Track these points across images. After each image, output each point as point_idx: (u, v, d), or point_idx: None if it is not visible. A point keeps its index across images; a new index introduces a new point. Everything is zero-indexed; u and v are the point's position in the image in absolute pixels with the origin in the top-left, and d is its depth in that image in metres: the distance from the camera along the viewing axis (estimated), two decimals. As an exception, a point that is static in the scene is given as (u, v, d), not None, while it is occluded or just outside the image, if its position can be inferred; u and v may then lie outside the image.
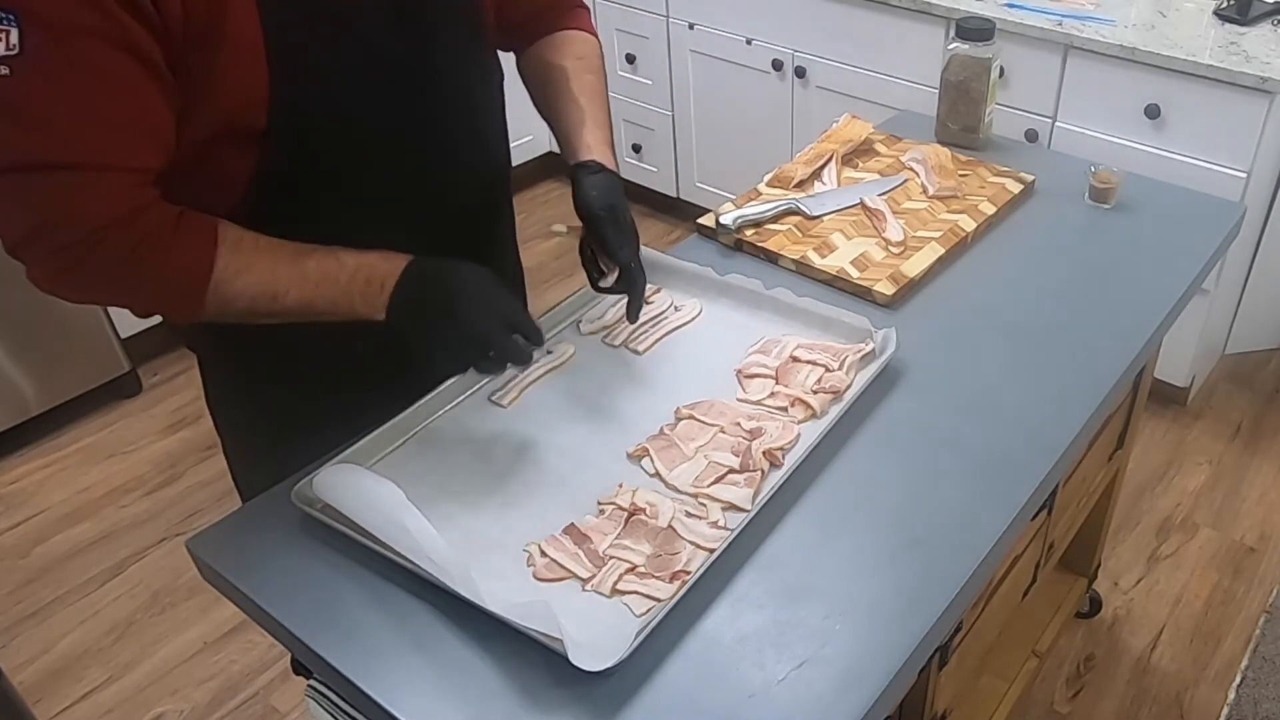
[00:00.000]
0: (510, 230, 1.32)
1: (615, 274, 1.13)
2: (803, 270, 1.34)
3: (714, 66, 2.89)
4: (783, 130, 2.83)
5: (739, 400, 1.12)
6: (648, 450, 1.05)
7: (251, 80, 0.92)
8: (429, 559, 0.88)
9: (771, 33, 2.70)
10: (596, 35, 1.28)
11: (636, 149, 3.28)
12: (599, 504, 1.00)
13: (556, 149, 1.24)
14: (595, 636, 0.85)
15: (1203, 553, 2.15)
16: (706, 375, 1.16)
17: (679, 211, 3.31)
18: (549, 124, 1.22)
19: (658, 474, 1.03)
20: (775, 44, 2.70)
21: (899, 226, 1.38)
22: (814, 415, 1.09)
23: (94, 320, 2.55)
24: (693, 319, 1.26)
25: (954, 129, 1.61)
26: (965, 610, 1.01)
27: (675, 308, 1.27)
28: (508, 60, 1.22)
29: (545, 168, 3.50)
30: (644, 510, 0.98)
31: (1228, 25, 2.17)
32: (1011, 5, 2.29)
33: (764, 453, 1.03)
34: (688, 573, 0.91)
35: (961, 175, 1.50)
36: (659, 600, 0.89)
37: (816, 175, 1.52)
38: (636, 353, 1.20)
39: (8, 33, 0.80)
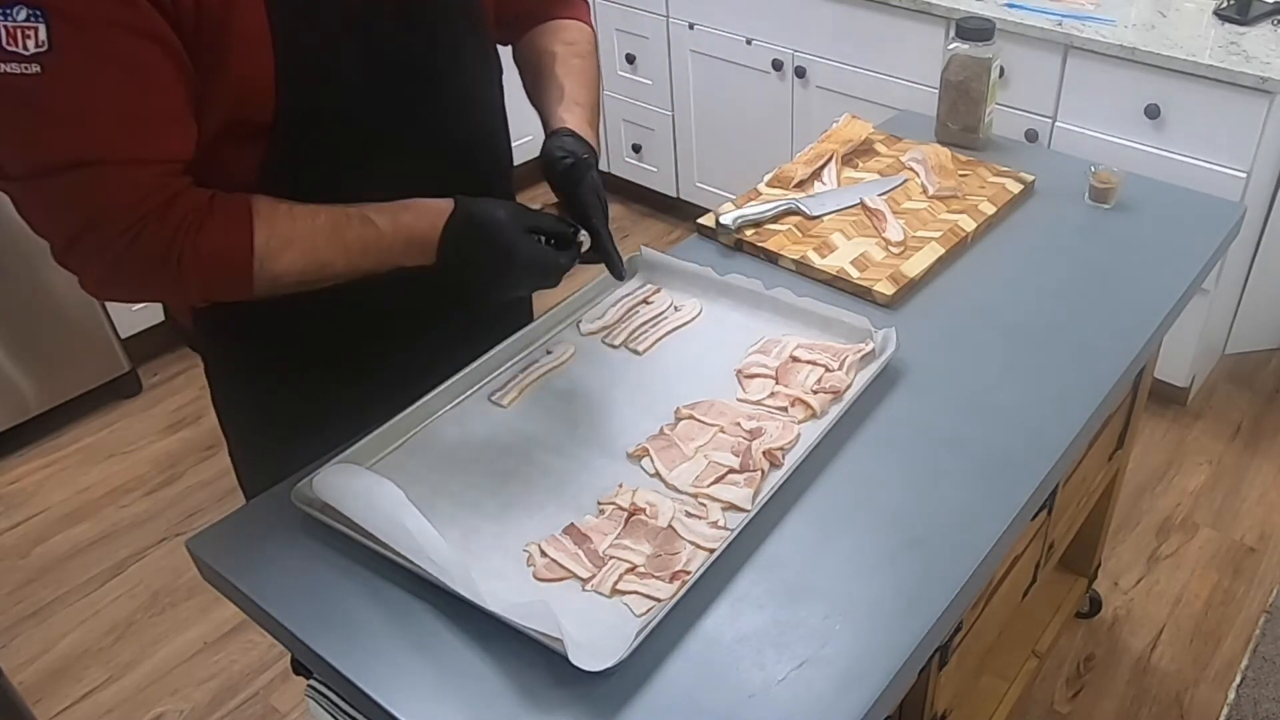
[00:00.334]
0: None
1: (588, 243, 1.09)
2: (803, 270, 1.34)
3: (714, 66, 2.89)
4: (783, 130, 2.83)
5: (739, 400, 1.12)
6: (648, 450, 1.05)
7: (258, 74, 0.92)
8: (429, 559, 0.88)
9: (771, 33, 2.70)
10: (591, 24, 1.28)
11: (636, 149, 3.28)
12: (599, 504, 1.00)
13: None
14: (595, 636, 0.85)
15: (1203, 553, 2.15)
16: (706, 375, 1.16)
17: (679, 211, 3.31)
18: (536, 110, 1.21)
19: (658, 474, 1.03)
20: (775, 44, 2.70)
21: (899, 226, 1.38)
22: (814, 415, 1.09)
23: (94, 320, 2.55)
24: (693, 319, 1.26)
25: (954, 129, 1.61)
26: (965, 610, 1.01)
27: (675, 308, 1.27)
28: (505, 55, 1.23)
29: (545, 168, 3.50)
30: (644, 510, 0.98)
31: (1228, 25, 2.17)
32: (1011, 5, 2.29)
33: (764, 453, 1.03)
34: (688, 573, 0.91)
35: (961, 175, 1.50)
36: (659, 600, 0.89)
37: (816, 175, 1.52)
38: (636, 353, 1.20)
39: (36, 30, 0.79)
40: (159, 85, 0.87)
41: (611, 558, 0.94)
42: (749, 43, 2.76)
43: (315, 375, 1.14)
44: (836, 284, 1.31)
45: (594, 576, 0.92)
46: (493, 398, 1.15)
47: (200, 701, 1.96)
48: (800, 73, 2.68)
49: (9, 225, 2.26)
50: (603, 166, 0.99)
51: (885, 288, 1.27)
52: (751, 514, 0.97)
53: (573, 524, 0.98)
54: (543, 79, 1.20)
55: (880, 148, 1.60)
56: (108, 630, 2.11)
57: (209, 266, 0.93)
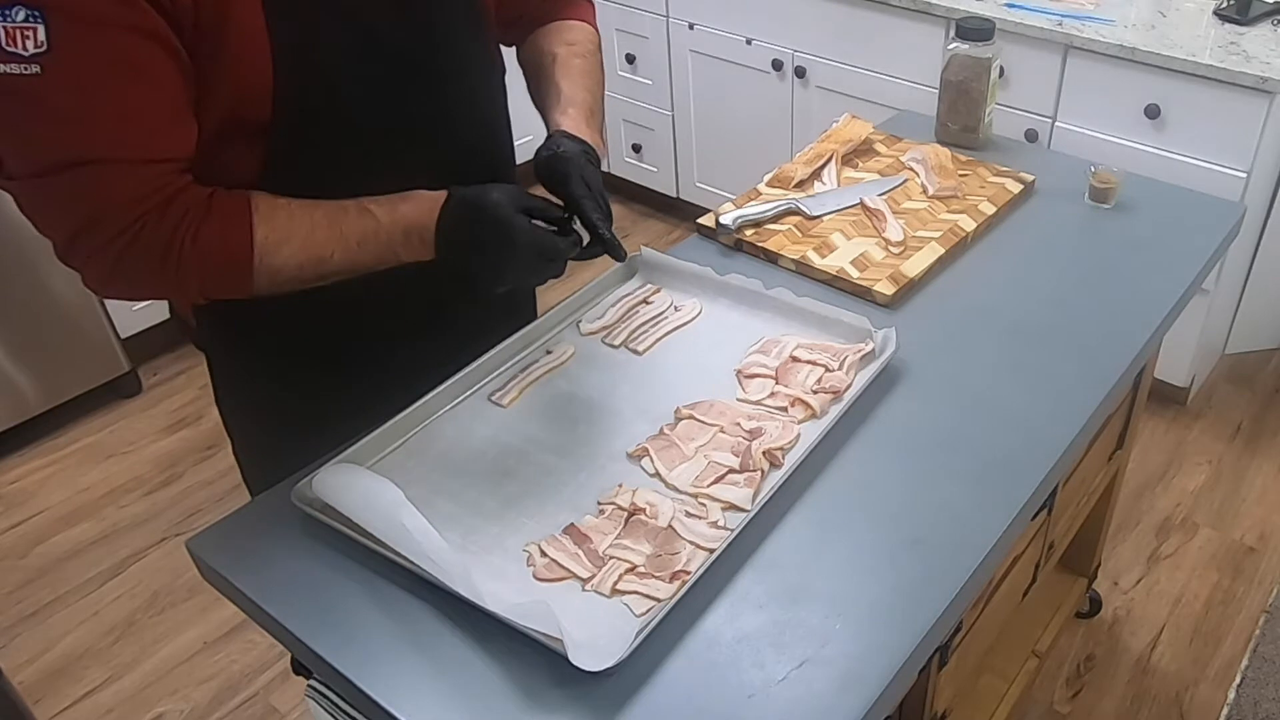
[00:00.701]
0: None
1: (586, 236, 1.07)
2: (803, 270, 1.34)
3: (714, 66, 2.89)
4: (782, 130, 2.83)
5: (739, 400, 1.12)
6: (648, 450, 1.05)
7: (255, 72, 0.92)
8: (429, 559, 0.88)
9: (771, 33, 2.70)
10: (595, 24, 1.28)
11: (636, 149, 3.28)
12: (599, 504, 1.00)
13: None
14: (595, 636, 0.85)
15: (1203, 553, 2.15)
16: (706, 375, 1.16)
17: (679, 211, 3.31)
18: (538, 112, 1.21)
19: (658, 474, 1.03)
20: (775, 44, 2.70)
21: (899, 226, 1.38)
22: (814, 415, 1.09)
23: (94, 320, 2.55)
24: (693, 319, 1.26)
25: (954, 129, 1.61)
26: (965, 610, 1.01)
27: (675, 308, 1.27)
28: (508, 56, 1.22)
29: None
30: (644, 510, 0.98)
31: (1228, 25, 2.17)
32: (1011, 5, 2.29)
33: (764, 453, 1.03)
34: (688, 573, 0.91)
35: (961, 175, 1.50)
36: (659, 600, 0.89)
37: (816, 175, 1.52)
38: (636, 353, 1.20)
39: (35, 30, 0.80)
40: (158, 84, 0.87)
41: (611, 558, 0.94)
42: (749, 43, 2.76)
43: (316, 374, 1.15)
44: (836, 284, 1.31)
45: (594, 576, 0.92)
46: (493, 398, 1.15)
47: (200, 701, 1.96)
48: (800, 73, 2.68)
49: (9, 225, 2.26)
50: (603, 166, 0.99)
51: (885, 288, 1.27)
52: (751, 514, 0.97)
53: (573, 524, 0.98)
54: (543, 81, 1.20)
55: (880, 148, 1.60)
56: (108, 630, 2.11)
57: (209, 263, 0.93)
